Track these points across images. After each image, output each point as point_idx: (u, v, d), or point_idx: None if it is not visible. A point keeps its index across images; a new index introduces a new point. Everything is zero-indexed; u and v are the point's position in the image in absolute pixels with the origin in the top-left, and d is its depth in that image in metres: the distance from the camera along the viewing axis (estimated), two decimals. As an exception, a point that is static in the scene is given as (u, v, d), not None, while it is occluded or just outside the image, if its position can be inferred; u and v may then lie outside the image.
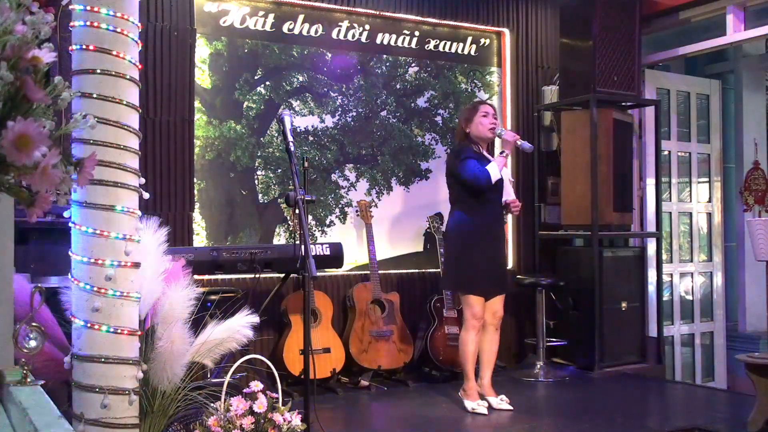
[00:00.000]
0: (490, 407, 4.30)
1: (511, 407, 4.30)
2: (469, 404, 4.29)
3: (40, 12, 1.33)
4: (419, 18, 5.65)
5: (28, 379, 1.71)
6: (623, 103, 5.86)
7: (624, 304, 5.58)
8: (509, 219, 5.93)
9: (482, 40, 6.00)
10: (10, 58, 1.23)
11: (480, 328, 4.29)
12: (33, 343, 1.78)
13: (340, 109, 5.41)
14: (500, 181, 4.26)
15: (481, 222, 4.28)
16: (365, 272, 5.14)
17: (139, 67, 2.49)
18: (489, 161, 4.26)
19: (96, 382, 2.32)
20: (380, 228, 5.40)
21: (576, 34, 5.68)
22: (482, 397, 4.35)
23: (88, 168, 1.41)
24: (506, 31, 6.03)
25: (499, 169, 4.21)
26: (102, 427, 2.32)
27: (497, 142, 4.73)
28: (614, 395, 4.82)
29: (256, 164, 5.11)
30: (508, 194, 4.41)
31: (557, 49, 5.94)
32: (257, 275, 4.35)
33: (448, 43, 5.83)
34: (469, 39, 5.93)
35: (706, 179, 6.80)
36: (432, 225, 5.47)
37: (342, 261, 4.78)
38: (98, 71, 2.35)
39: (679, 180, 6.63)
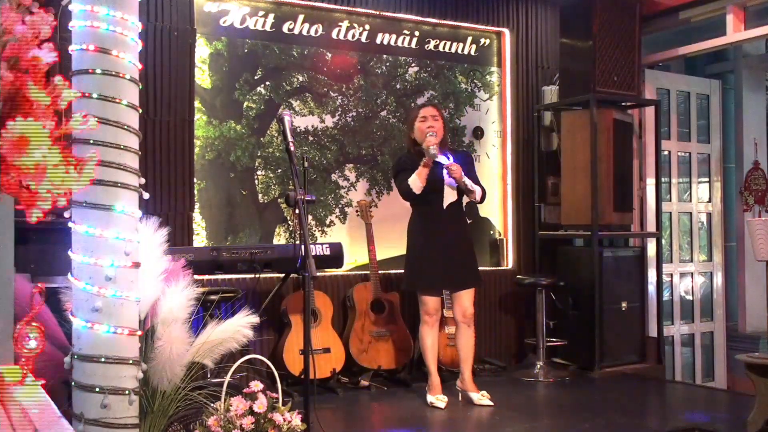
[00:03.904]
0: (471, 402, 4.40)
1: (491, 402, 4.37)
2: (429, 398, 4.41)
3: (40, 12, 1.33)
4: (419, 18, 5.65)
5: (28, 379, 1.72)
6: (623, 103, 5.86)
7: (624, 304, 5.58)
8: (509, 218, 5.94)
9: (482, 40, 6.00)
10: (10, 58, 1.23)
11: (435, 323, 4.45)
12: (33, 343, 1.78)
13: (340, 109, 5.40)
14: (440, 183, 4.32)
15: (430, 222, 4.41)
16: (365, 272, 5.13)
17: (139, 67, 2.49)
18: (437, 162, 4.29)
19: (96, 382, 2.32)
20: (380, 228, 5.39)
21: (576, 34, 5.68)
22: (464, 392, 4.46)
23: (88, 168, 1.41)
24: (506, 31, 6.02)
25: (421, 179, 4.24)
26: (102, 427, 2.32)
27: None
28: (614, 395, 4.82)
29: (256, 164, 5.10)
30: (451, 196, 4.40)
31: (557, 49, 5.94)
32: (257, 275, 4.35)
33: (448, 43, 5.83)
34: (469, 39, 5.93)
35: (706, 179, 6.80)
36: (432, 225, 5.47)
37: (342, 261, 4.79)
38: (98, 71, 2.35)
39: (679, 180, 6.63)
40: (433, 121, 4.35)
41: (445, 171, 4.29)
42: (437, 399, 4.36)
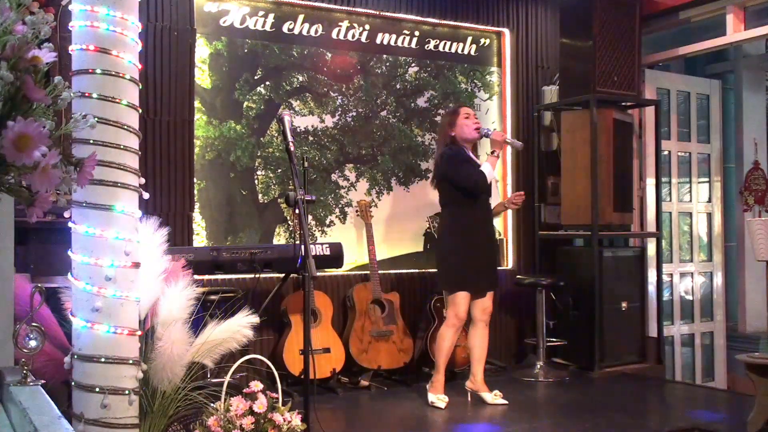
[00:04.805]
0: (483, 402, 4.40)
1: (505, 401, 4.38)
2: (431, 397, 4.39)
3: (40, 12, 1.33)
4: (419, 18, 5.65)
5: (28, 379, 1.72)
6: (623, 103, 5.86)
7: (624, 304, 5.58)
8: (509, 218, 5.95)
9: (482, 40, 6.00)
10: (10, 58, 1.23)
11: (461, 328, 4.42)
12: (33, 343, 1.78)
13: (340, 109, 5.41)
14: (490, 184, 4.39)
15: (473, 222, 4.38)
16: (365, 272, 5.13)
17: (139, 67, 2.49)
18: (477, 163, 4.38)
19: (96, 382, 2.32)
20: (380, 228, 5.40)
21: (576, 34, 5.68)
22: (476, 392, 4.45)
23: (88, 168, 1.41)
24: (506, 31, 6.02)
25: (492, 169, 4.34)
26: (102, 427, 2.32)
27: (485, 143, 4.80)
28: (614, 395, 4.82)
29: (256, 164, 5.11)
30: (495, 195, 4.52)
31: (557, 49, 5.94)
32: (257, 275, 4.35)
33: (448, 43, 5.83)
34: (469, 39, 5.93)
35: (706, 179, 6.80)
36: (432, 225, 5.48)
37: (342, 261, 4.78)
38: (98, 71, 2.35)
39: (679, 180, 6.63)
40: (476, 119, 4.44)
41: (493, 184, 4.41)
42: (438, 399, 4.36)
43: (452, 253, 4.39)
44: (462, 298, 4.33)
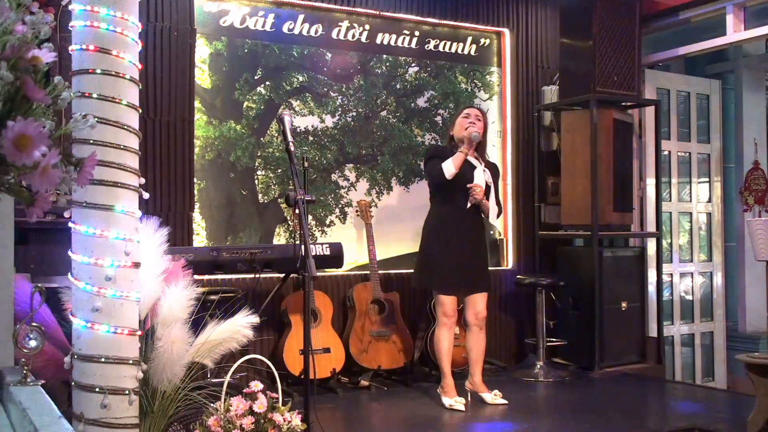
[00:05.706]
0: (483, 402, 4.41)
1: (505, 401, 4.39)
2: (447, 401, 4.37)
3: (40, 12, 1.33)
4: (419, 18, 5.65)
5: (28, 379, 1.72)
6: (623, 103, 5.86)
7: (624, 304, 5.58)
8: (509, 218, 5.94)
9: (482, 40, 6.00)
10: (10, 58, 1.23)
11: (452, 326, 4.43)
12: (33, 343, 1.78)
13: (340, 109, 5.41)
14: (467, 183, 4.33)
15: (450, 221, 4.39)
16: (365, 272, 5.13)
17: (139, 67, 2.49)
18: (471, 164, 4.38)
19: (96, 382, 2.32)
20: (380, 228, 5.39)
21: (576, 34, 5.68)
22: (476, 393, 4.46)
23: (88, 168, 1.41)
24: (506, 31, 6.02)
25: (455, 164, 4.27)
26: (102, 427, 2.32)
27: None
28: (614, 395, 4.82)
29: (256, 164, 5.11)
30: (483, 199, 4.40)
31: (557, 49, 5.94)
32: (257, 275, 4.35)
33: (448, 43, 5.83)
34: (469, 39, 5.93)
35: (706, 179, 6.81)
36: (432, 225, 5.48)
37: (342, 261, 4.79)
38: (98, 71, 2.35)
39: (679, 180, 6.63)
40: (476, 120, 4.43)
41: (474, 183, 4.35)
42: (456, 401, 4.34)
43: (429, 251, 4.46)
44: (444, 297, 4.36)
